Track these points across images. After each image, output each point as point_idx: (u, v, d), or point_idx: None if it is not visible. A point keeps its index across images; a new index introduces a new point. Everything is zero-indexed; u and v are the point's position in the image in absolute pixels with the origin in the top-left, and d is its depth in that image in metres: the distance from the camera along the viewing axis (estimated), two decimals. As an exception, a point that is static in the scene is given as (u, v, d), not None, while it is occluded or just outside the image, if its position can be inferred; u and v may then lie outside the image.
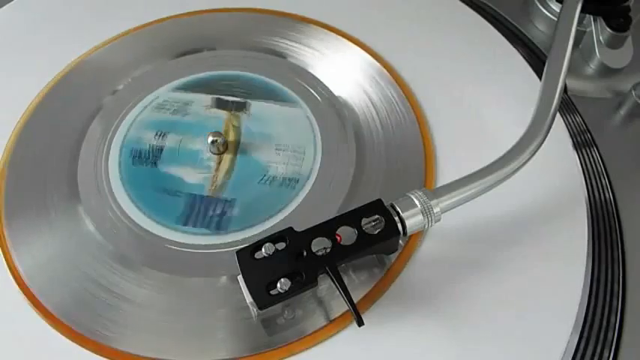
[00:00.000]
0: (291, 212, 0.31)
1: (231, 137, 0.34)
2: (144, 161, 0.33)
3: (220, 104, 0.36)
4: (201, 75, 0.37)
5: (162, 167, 0.33)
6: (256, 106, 0.36)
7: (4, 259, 0.30)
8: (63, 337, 0.28)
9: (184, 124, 0.35)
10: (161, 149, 0.34)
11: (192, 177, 0.33)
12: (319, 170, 0.33)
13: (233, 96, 0.36)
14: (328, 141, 0.34)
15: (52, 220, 0.31)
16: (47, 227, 0.31)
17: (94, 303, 0.28)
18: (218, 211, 0.31)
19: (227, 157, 0.34)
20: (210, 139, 0.33)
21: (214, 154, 0.34)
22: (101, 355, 0.27)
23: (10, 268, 0.30)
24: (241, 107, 0.36)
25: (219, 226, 0.31)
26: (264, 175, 0.33)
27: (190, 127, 0.35)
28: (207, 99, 0.36)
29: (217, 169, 0.33)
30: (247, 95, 0.36)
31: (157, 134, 0.34)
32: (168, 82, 0.37)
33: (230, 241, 0.30)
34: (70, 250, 0.30)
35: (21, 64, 0.39)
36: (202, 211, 0.31)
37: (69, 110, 0.36)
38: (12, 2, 0.43)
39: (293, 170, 0.33)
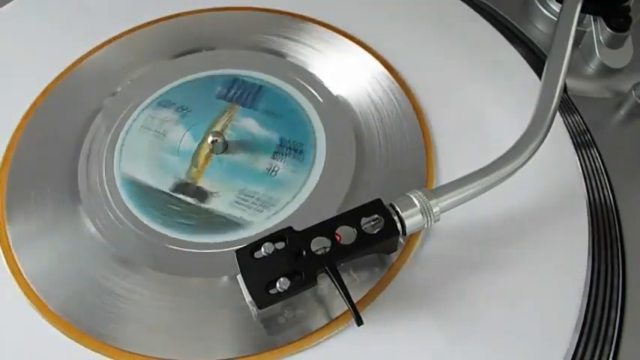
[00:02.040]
0: (291, 212, 0.31)
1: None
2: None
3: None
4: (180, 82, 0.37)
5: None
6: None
7: (5, 260, 0.30)
8: (64, 337, 0.28)
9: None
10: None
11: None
12: (319, 170, 0.33)
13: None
14: (328, 141, 0.34)
15: (53, 221, 0.31)
16: (48, 228, 0.31)
17: (95, 303, 0.28)
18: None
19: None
20: (210, 139, 0.33)
21: (218, 153, 0.34)
22: (102, 355, 0.27)
23: (11, 269, 0.30)
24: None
25: None
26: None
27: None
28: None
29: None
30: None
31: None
32: (167, 82, 0.37)
33: (230, 240, 0.30)
34: (70, 250, 0.30)
35: (21, 64, 0.39)
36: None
37: (69, 111, 0.36)
38: (12, 2, 0.43)
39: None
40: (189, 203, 0.32)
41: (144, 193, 0.32)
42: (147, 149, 0.34)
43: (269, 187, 0.32)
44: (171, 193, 0.32)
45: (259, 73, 0.37)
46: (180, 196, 0.32)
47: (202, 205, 0.32)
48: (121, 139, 0.35)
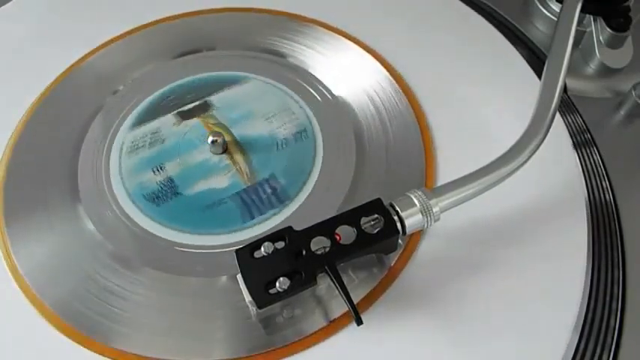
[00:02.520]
0: (291, 212, 0.31)
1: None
2: (166, 198, 0.32)
3: (185, 115, 0.36)
4: (161, 91, 0.37)
5: (187, 191, 0.32)
6: (218, 98, 0.36)
7: (4, 259, 0.30)
8: (63, 337, 0.28)
9: (171, 148, 0.34)
10: (171, 179, 0.33)
11: (221, 182, 0.32)
12: (319, 170, 0.33)
13: (190, 103, 0.36)
14: (328, 141, 0.34)
15: (53, 220, 0.31)
16: (47, 227, 0.31)
17: (95, 302, 0.28)
18: (269, 190, 0.32)
19: (233, 149, 0.34)
20: (210, 139, 0.33)
21: (219, 153, 0.34)
22: (101, 355, 0.27)
23: (10, 268, 0.30)
24: (206, 107, 0.36)
25: (281, 198, 0.32)
26: (277, 142, 0.34)
27: (178, 147, 0.34)
28: (170, 119, 0.35)
29: (235, 162, 0.33)
30: (201, 96, 0.36)
31: (154, 170, 0.33)
32: (168, 82, 0.37)
33: (230, 241, 0.30)
34: (70, 249, 0.30)
35: (21, 64, 0.39)
36: (257, 199, 0.31)
37: (69, 110, 0.36)
38: (12, 1, 0.43)
39: (296, 125, 0.34)
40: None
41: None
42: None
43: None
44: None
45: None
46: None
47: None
48: (121, 139, 0.35)
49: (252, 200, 0.32)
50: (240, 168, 0.33)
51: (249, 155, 0.33)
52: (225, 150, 0.34)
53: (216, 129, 0.34)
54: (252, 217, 0.31)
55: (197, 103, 0.36)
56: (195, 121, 0.35)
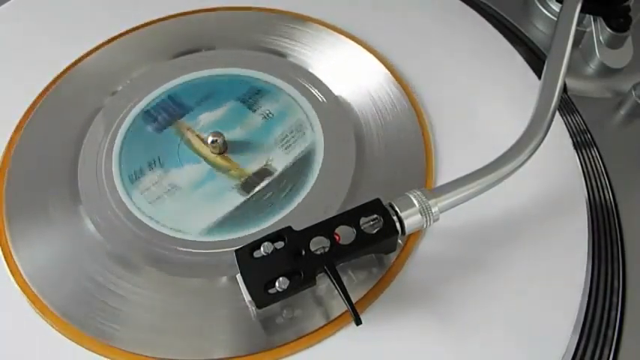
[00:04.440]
0: (291, 212, 0.31)
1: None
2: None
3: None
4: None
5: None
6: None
7: (4, 260, 0.30)
8: (64, 337, 0.28)
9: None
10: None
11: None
12: (319, 170, 0.33)
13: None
14: (328, 141, 0.34)
15: (53, 221, 0.31)
16: (48, 228, 0.31)
17: (95, 303, 0.28)
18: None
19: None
20: (210, 139, 0.33)
21: (219, 153, 0.34)
22: (102, 355, 0.27)
23: (10, 269, 0.30)
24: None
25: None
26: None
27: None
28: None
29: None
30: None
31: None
32: (167, 82, 0.37)
33: (230, 240, 0.30)
34: (70, 250, 0.30)
35: (21, 64, 0.39)
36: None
37: (69, 110, 0.36)
38: (10, 1, 0.43)
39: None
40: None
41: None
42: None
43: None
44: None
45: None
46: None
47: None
48: (121, 139, 0.35)
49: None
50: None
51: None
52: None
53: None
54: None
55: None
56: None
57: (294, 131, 0.34)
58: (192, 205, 0.32)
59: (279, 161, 0.33)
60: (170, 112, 0.36)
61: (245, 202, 0.32)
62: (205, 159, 0.34)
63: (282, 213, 0.31)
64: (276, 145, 0.34)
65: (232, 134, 0.34)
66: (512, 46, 0.39)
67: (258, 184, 0.32)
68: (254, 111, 0.36)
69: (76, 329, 0.28)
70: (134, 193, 0.32)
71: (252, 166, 0.33)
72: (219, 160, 0.33)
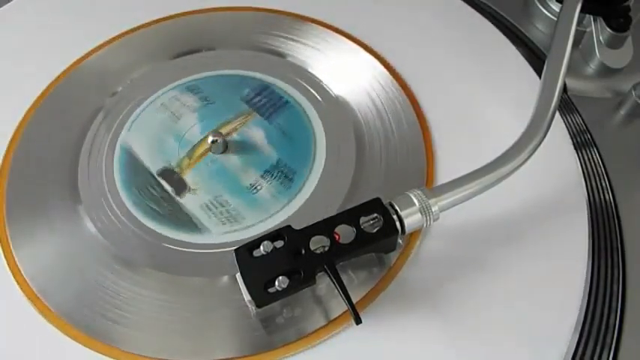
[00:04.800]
0: (291, 212, 0.31)
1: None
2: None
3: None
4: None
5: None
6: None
7: (5, 260, 0.30)
8: (65, 337, 0.28)
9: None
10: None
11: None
12: (319, 170, 0.33)
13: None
14: (328, 141, 0.34)
15: (53, 221, 0.31)
16: (48, 228, 0.31)
17: (95, 303, 0.28)
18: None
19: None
20: (210, 139, 0.33)
21: (219, 153, 0.33)
22: (102, 355, 0.27)
23: (11, 269, 0.30)
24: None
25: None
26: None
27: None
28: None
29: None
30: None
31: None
32: (167, 82, 0.37)
33: (230, 240, 0.30)
34: (71, 250, 0.30)
35: (21, 65, 0.39)
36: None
37: (69, 111, 0.36)
38: (12, 2, 0.43)
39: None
40: (165, 190, 0.32)
41: (133, 168, 0.33)
42: (156, 127, 0.34)
43: (243, 202, 0.32)
44: (155, 175, 0.33)
45: (287, 85, 0.37)
46: (162, 181, 0.32)
47: (176, 197, 0.32)
48: (121, 139, 0.35)
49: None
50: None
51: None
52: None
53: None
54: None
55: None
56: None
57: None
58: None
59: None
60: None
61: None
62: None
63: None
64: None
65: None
66: (512, 45, 0.39)
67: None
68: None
69: (77, 329, 0.28)
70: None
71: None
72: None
